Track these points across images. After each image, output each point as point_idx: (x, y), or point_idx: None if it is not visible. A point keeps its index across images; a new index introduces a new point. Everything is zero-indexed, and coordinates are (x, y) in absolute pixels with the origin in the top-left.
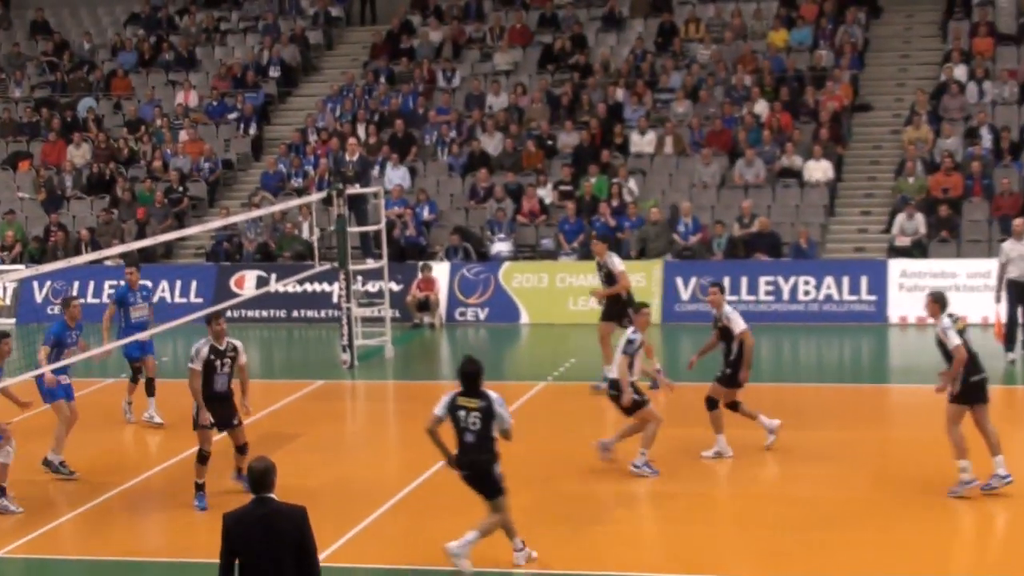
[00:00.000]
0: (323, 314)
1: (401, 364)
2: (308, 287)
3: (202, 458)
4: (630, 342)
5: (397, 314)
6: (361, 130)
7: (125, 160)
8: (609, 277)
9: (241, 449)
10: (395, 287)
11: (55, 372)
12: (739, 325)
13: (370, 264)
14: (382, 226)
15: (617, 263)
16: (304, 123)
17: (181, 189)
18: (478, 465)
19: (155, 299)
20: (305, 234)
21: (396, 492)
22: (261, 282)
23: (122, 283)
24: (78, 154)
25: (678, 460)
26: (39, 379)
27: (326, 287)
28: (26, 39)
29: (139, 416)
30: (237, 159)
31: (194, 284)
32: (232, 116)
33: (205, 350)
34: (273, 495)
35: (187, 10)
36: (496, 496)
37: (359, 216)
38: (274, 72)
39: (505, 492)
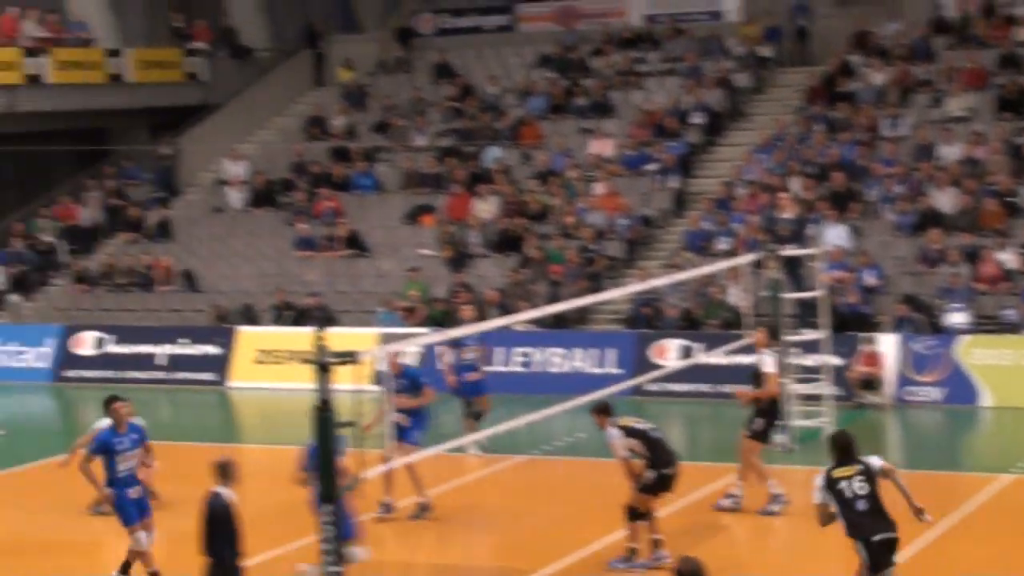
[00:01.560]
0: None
1: None
2: (737, 359)
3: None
4: None
5: (838, 392)
6: (795, 184)
7: (535, 215)
8: (757, 377)
9: None
10: (836, 361)
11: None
12: None
13: (807, 335)
14: (821, 292)
15: (769, 362)
16: (731, 175)
17: (596, 248)
18: (892, 524)
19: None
20: (733, 300)
21: None
22: (684, 352)
23: None
24: (484, 208)
25: None
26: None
27: None
28: (429, 84)
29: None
30: (657, 215)
31: (610, 353)
32: (651, 167)
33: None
34: None
35: (601, 51)
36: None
37: (794, 281)
38: (697, 119)
39: None
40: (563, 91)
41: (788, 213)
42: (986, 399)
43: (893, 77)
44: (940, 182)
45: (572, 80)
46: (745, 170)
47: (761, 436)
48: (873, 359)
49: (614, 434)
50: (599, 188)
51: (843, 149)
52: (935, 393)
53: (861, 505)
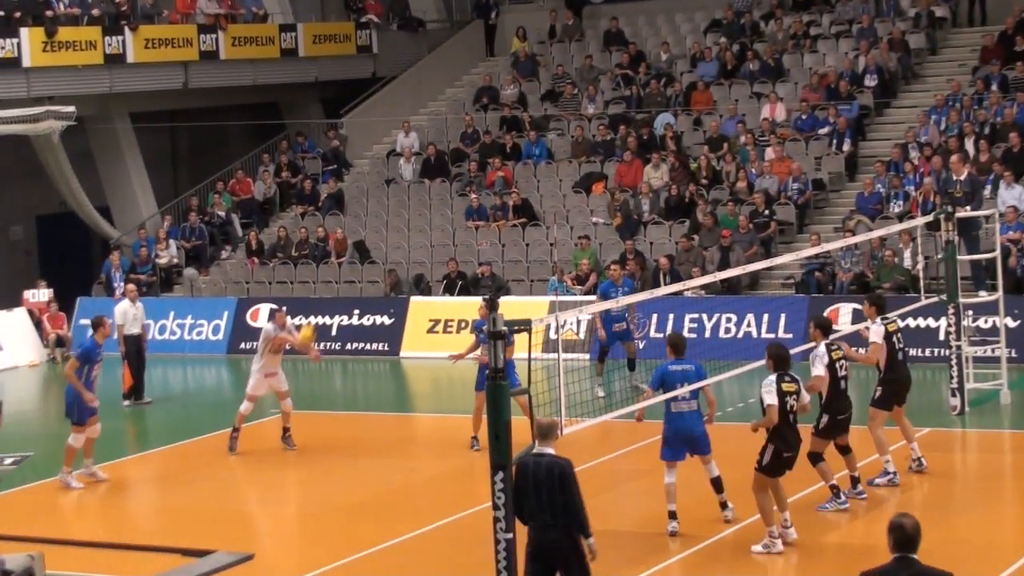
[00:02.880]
0: (928, 352)
1: (1019, 411)
2: (911, 322)
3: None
4: None
5: (1014, 354)
6: (970, 145)
7: (706, 181)
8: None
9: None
10: (1011, 323)
11: None
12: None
13: (983, 297)
14: (996, 254)
15: (874, 332)
16: (904, 138)
17: (767, 213)
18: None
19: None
20: (907, 263)
21: (1014, 560)
22: (857, 316)
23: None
24: (655, 175)
25: None
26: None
27: (931, 323)
28: (599, 51)
29: None
30: (829, 179)
31: (782, 318)
32: (823, 131)
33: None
34: (916, 556)
35: (773, 15)
36: None
37: (969, 243)
38: (870, 81)
39: None
40: (734, 56)
41: (962, 175)
42: None
43: None
44: None
45: (743, 45)
46: (919, 132)
47: (881, 404)
48: None
49: (821, 353)
50: (771, 153)
51: (1019, 109)
52: None
53: (792, 419)
